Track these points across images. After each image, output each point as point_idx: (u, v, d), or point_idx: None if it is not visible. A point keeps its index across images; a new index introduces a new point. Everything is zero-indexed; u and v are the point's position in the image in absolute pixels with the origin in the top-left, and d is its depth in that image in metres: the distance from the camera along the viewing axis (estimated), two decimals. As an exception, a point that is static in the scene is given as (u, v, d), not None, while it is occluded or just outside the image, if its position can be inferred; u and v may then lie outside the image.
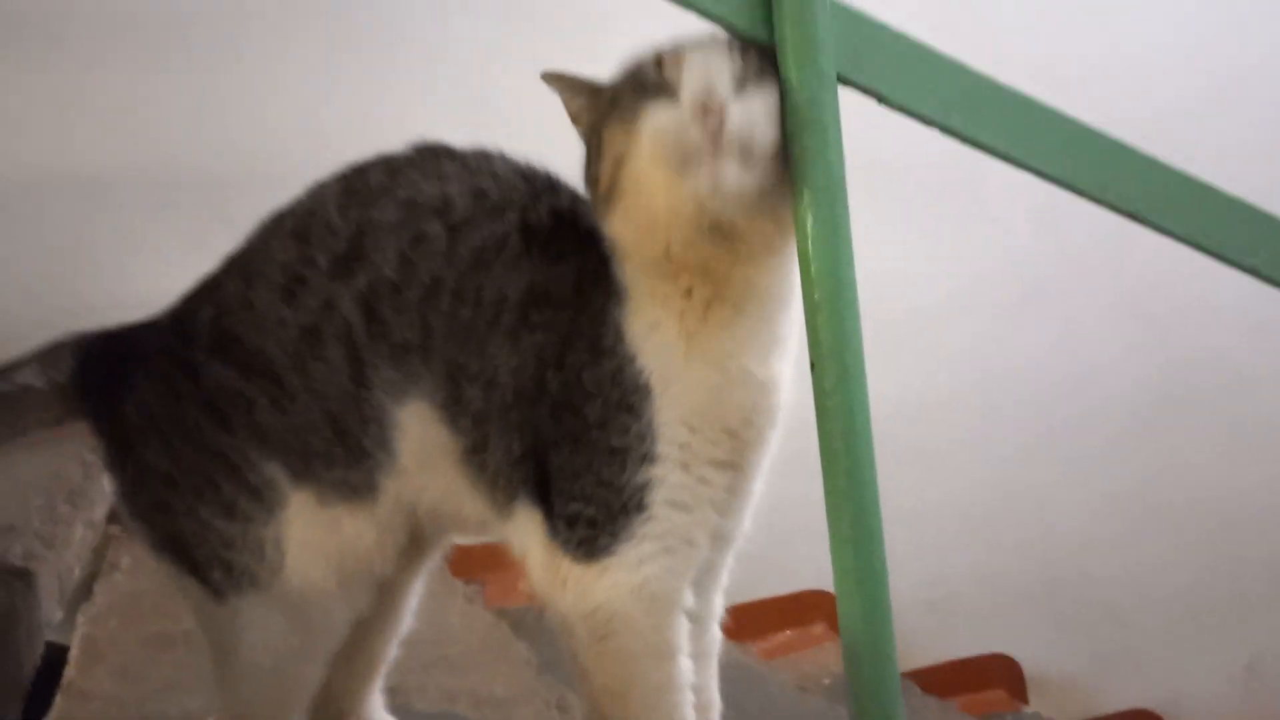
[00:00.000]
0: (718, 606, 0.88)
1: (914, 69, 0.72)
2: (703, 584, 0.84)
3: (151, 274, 1.98)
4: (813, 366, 0.72)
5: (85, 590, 1.69)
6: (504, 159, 0.87)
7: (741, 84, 0.72)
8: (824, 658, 2.38)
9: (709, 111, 0.69)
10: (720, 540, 0.83)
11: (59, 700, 1.25)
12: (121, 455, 0.87)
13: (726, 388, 0.77)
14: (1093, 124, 0.80)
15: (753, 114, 0.71)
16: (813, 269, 0.70)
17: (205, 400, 0.82)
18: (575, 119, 0.81)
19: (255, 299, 0.83)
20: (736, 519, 0.84)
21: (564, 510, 0.76)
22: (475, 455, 0.80)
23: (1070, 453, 2.64)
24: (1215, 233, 0.80)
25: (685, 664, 0.79)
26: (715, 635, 0.89)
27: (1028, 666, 2.70)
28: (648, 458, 0.75)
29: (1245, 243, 0.81)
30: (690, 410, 0.76)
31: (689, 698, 0.79)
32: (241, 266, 0.85)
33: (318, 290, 0.81)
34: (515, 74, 2.09)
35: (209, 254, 2.01)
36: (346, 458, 0.81)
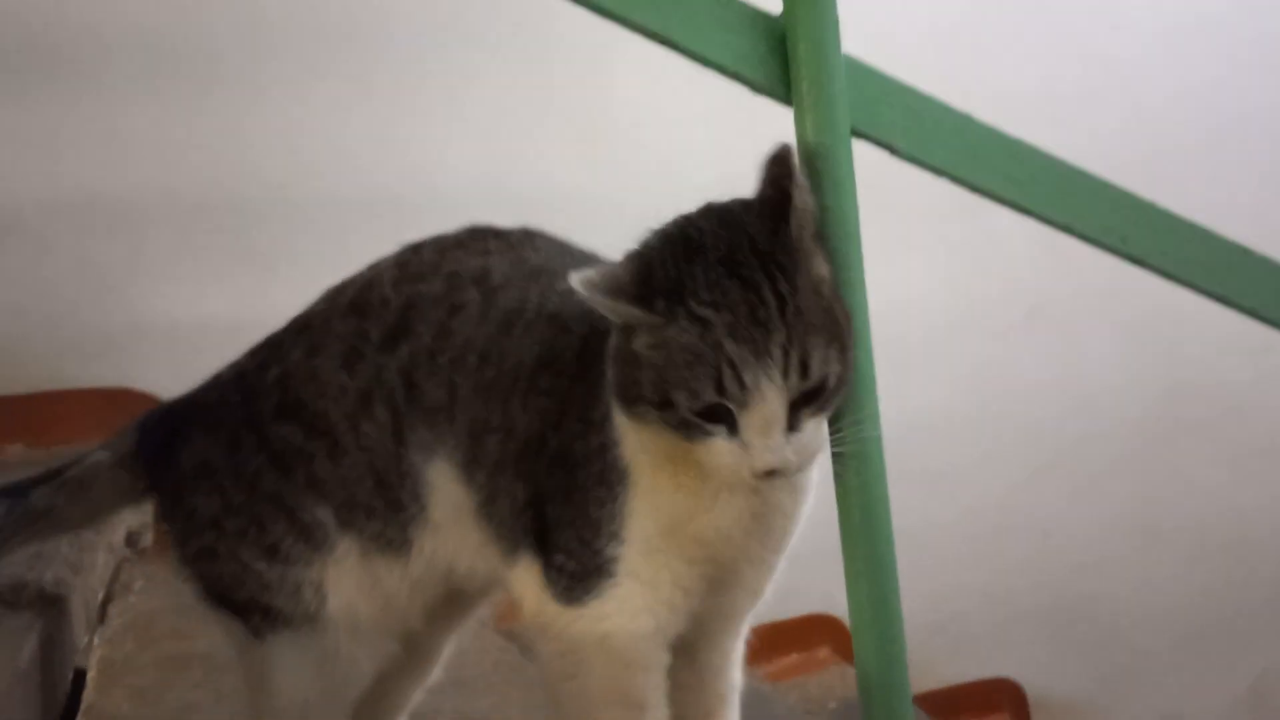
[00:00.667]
0: (736, 656, 0.92)
1: (925, 122, 0.74)
2: (712, 637, 0.89)
3: (179, 297, 2.04)
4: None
5: (100, 613, 1.71)
6: (547, 236, 0.93)
7: (796, 410, 0.73)
8: (830, 680, 2.40)
9: (771, 479, 0.75)
10: (723, 610, 0.87)
11: (80, 721, 1.27)
12: (174, 505, 0.94)
13: (695, 510, 0.80)
14: (1092, 168, 0.82)
15: (808, 446, 0.74)
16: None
17: (269, 452, 0.89)
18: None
19: (319, 367, 0.90)
20: (735, 595, 0.87)
21: (552, 559, 0.82)
22: (487, 508, 0.85)
23: (1074, 473, 2.65)
24: (1217, 277, 0.83)
25: (658, 715, 0.83)
26: (733, 681, 0.92)
27: (1031, 690, 2.71)
28: (615, 536, 0.80)
29: (1245, 286, 0.83)
30: (659, 514, 0.80)
31: None
32: (305, 334, 0.92)
33: (371, 362, 0.88)
34: (534, 106, 2.16)
35: (234, 278, 2.07)
36: (386, 510, 0.87)
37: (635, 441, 0.80)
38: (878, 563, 0.73)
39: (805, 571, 2.63)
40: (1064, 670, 2.72)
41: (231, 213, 2.07)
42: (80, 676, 1.38)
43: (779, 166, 0.74)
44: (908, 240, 2.35)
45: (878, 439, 0.73)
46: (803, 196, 0.73)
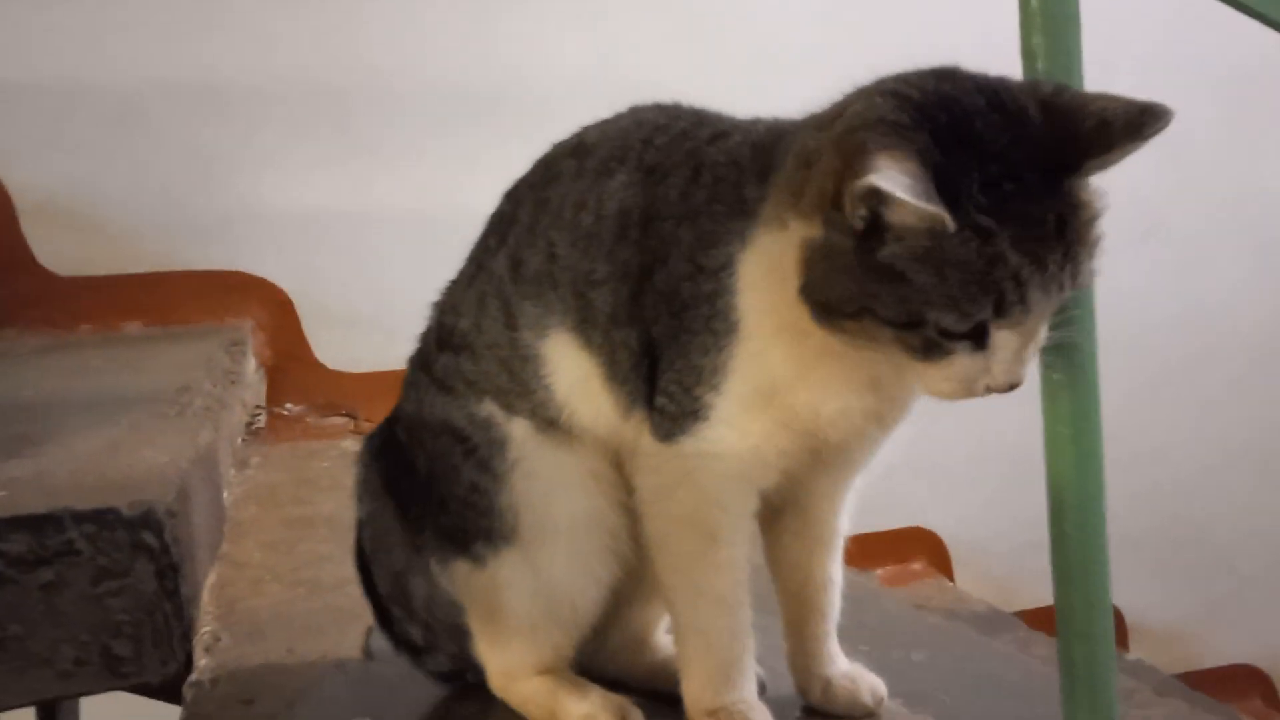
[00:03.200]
0: (841, 504, 0.90)
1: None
2: (822, 487, 0.87)
3: (287, 184, 2.05)
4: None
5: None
6: (658, 107, 0.89)
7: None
8: (928, 591, 2.38)
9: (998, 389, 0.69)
10: (827, 475, 0.85)
11: (216, 566, 1.29)
12: (387, 484, 0.94)
13: (804, 388, 0.77)
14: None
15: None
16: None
17: (436, 383, 0.90)
18: (863, 223, 0.68)
19: (452, 291, 0.93)
20: (837, 468, 0.85)
21: (657, 401, 0.81)
22: (610, 368, 0.83)
23: (1185, 393, 2.58)
24: None
25: (733, 553, 0.82)
26: (836, 528, 0.91)
27: (1130, 615, 2.66)
28: (715, 388, 0.78)
29: None
30: (762, 379, 0.78)
31: (731, 577, 0.82)
32: (458, 270, 0.95)
33: (486, 269, 0.90)
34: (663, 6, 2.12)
35: (339, 168, 2.08)
36: (526, 394, 0.86)
37: (756, 301, 0.77)
38: (1080, 372, 0.69)
39: (901, 485, 2.61)
40: (1164, 597, 2.66)
41: (337, 103, 2.08)
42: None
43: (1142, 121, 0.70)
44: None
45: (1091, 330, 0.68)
46: (1135, 146, 0.69)
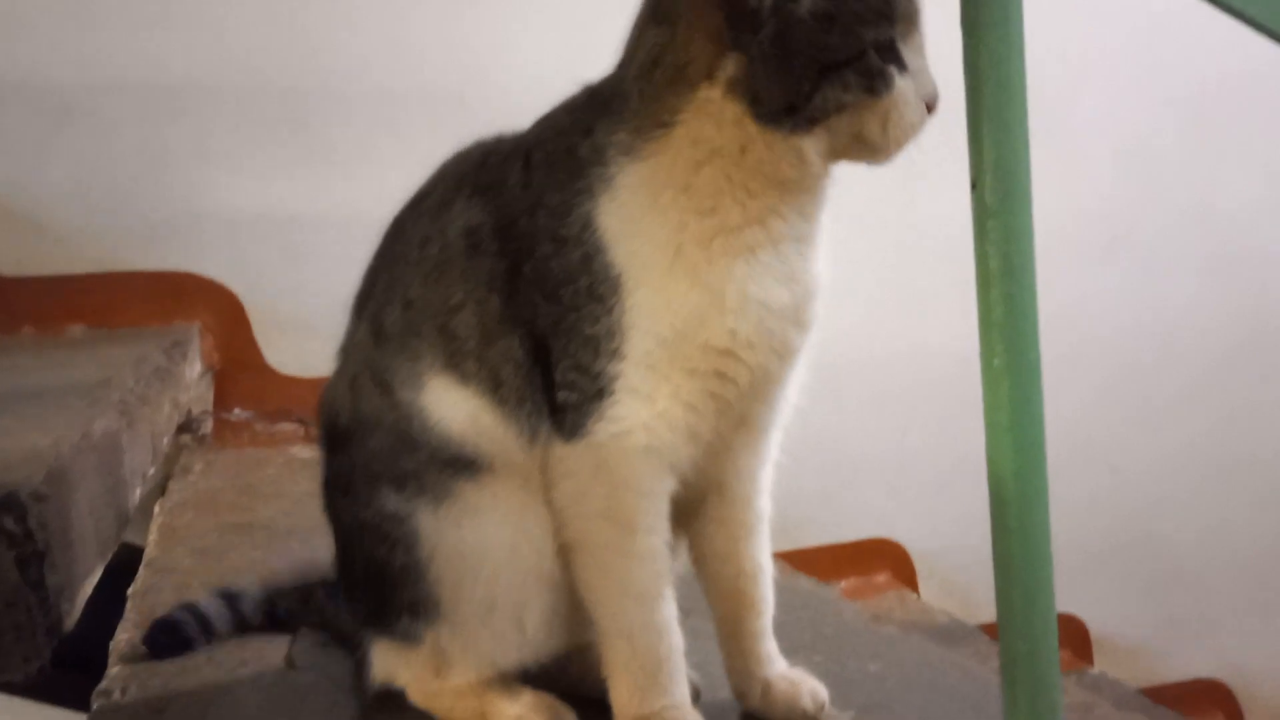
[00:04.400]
0: (764, 482, 0.88)
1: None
2: (738, 464, 0.85)
3: (240, 185, 2.00)
4: (973, 185, 0.68)
5: (160, 490, 1.70)
6: (480, 141, 0.88)
7: None
8: (889, 604, 2.35)
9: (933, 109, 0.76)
10: (743, 430, 0.83)
11: (142, 572, 1.25)
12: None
13: (712, 311, 0.76)
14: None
15: None
16: (980, 67, 0.66)
17: (338, 488, 0.90)
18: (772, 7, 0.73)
19: (329, 391, 0.92)
20: (755, 415, 0.83)
21: (558, 399, 0.78)
22: (496, 394, 0.80)
23: (1142, 403, 2.57)
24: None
25: (651, 541, 0.80)
26: (760, 509, 0.88)
27: (1094, 628, 2.65)
28: (615, 354, 0.76)
29: None
30: (660, 324, 0.76)
31: (652, 568, 0.80)
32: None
33: (351, 348, 0.89)
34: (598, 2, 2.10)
35: (294, 169, 2.03)
36: (417, 452, 0.82)
37: (634, 244, 0.75)
38: (1021, 361, 0.66)
39: (864, 496, 2.58)
40: (1128, 610, 2.65)
41: (293, 104, 2.04)
42: (136, 554, 1.35)
43: None
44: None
45: (1028, 219, 0.66)
46: None
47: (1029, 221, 0.67)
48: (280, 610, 1.08)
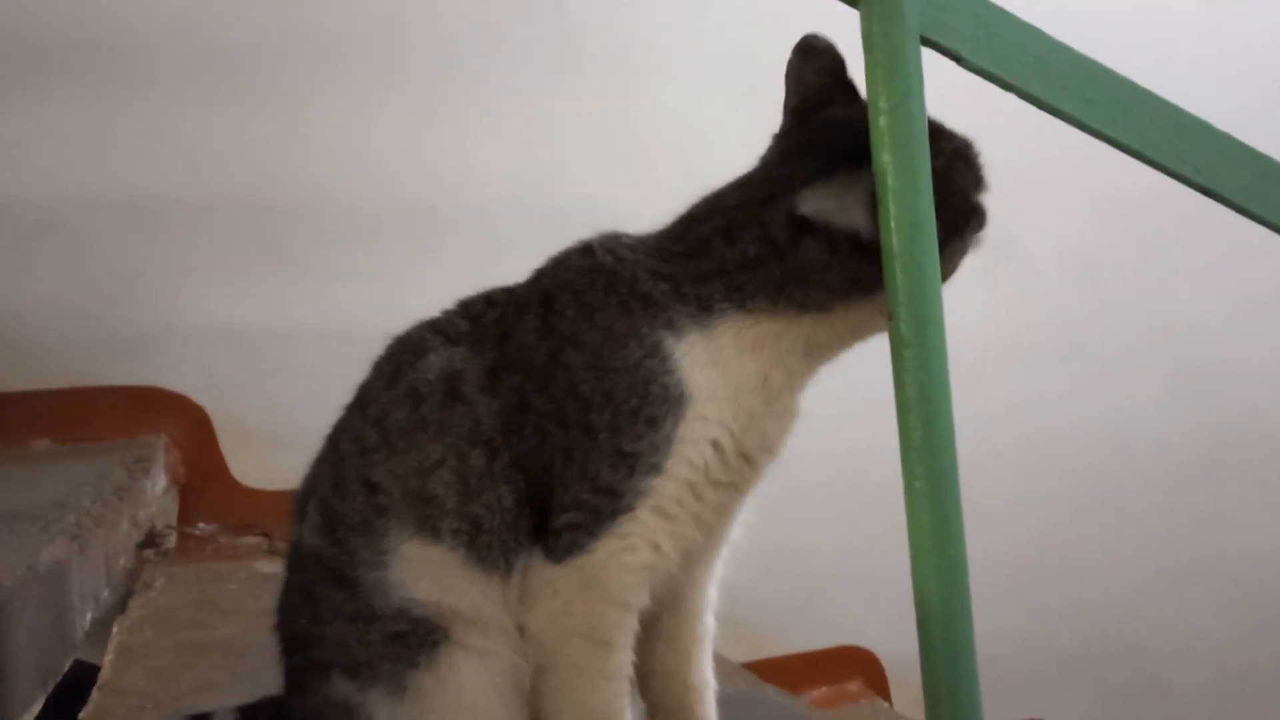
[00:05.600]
0: (712, 598, 0.92)
1: (995, 33, 0.73)
2: (696, 578, 0.89)
3: (210, 300, 2.03)
4: (890, 316, 0.71)
5: (120, 606, 1.69)
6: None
7: None
8: (862, 713, 2.32)
9: None
10: (712, 542, 0.88)
11: (95, 695, 1.24)
12: None
13: (767, 419, 0.83)
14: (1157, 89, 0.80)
15: None
16: (891, 214, 0.70)
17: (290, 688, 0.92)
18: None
19: (282, 611, 0.92)
20: (722, 532, 0.88)
21: (557, 524, 0.80)
22: (471, 546, 0.81)
23: (1117, 511, 2.59)
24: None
25: (622, 660, 0.82)
26: (708, 624, 0.92)
27: (1069, 737, 2.62)
28: (655, 468, 0.79)
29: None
30: (723, 434, 0.81)
31: (619, 687, 0.82)
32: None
33: (297, 561, 0.89)
34: (564, 118, 2.17)
35: (264, 283, 2.07)
36: (378, 627, 0.83)
37: (709, 373, 0.80)
38: (940, 480, 0.69)
39: (836, 603, 2.56)
40: (1101, 717, 2.62)
41: (263, 219, 2.08)
42: (92, 672, 1.34)
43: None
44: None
45: (941, 347, 0.69)
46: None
47: (942, 351, 0.70)
48: None
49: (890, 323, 0.71)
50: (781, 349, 0.82)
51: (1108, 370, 2.60)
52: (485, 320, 0.86)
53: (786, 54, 0.88)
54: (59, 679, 0.86)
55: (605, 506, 0.79)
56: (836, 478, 2.33)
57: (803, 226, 0.78)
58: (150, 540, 1.89)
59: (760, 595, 2.47)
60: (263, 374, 2.08)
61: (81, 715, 1.17)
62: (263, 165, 2.06)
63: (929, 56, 0.72)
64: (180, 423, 2.02)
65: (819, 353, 0.85)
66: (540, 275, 0.87)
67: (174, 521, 1.97)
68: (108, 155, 1.98)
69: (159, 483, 1.85)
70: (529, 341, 0.82)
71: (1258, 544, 2.63)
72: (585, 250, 0.86)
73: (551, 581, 0.80)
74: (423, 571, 0.81)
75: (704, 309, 0.81)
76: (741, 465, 0.83)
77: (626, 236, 0.87)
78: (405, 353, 0.86)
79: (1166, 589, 2.62)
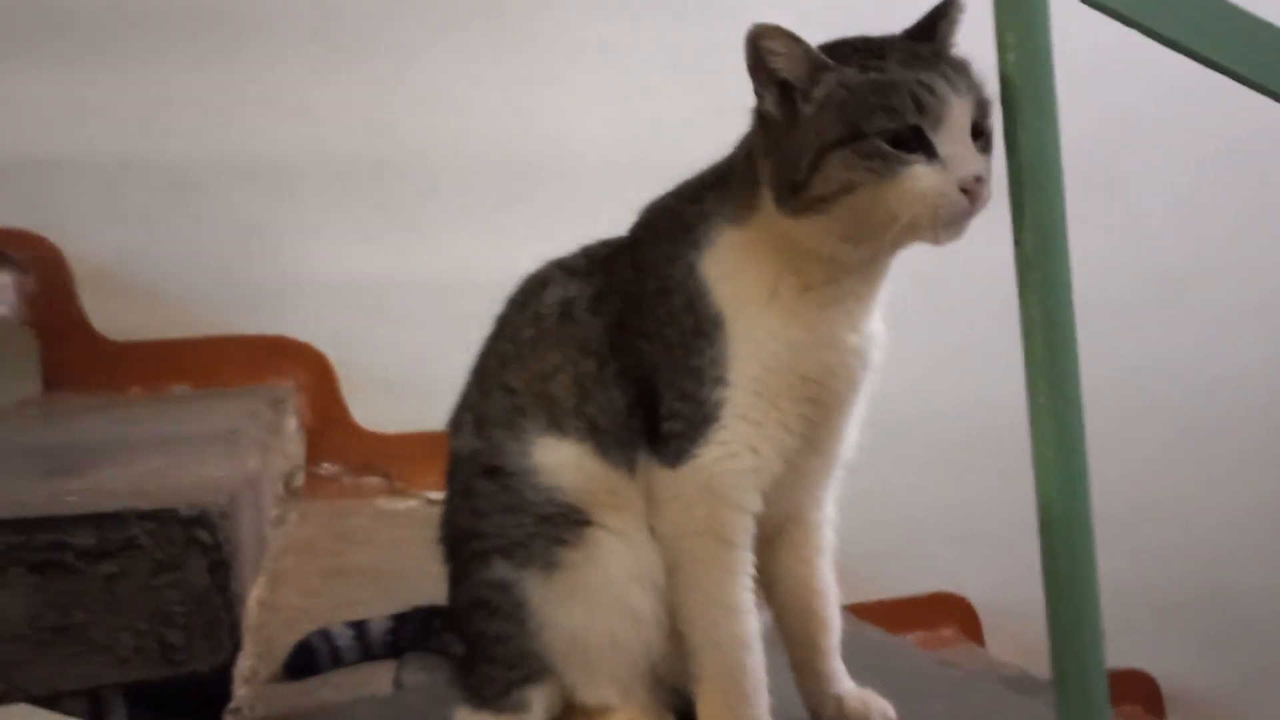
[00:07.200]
0: (830, 513, 0.98)
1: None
2: (811, 493, 0.95)
3: (330, 254, 2.14)
4: (1016, 242, 0.76)
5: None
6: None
7: (979, 135, 0.82)
8: (956, 658, 2.37)
9: (976, 190, 0.80)
10: (818, 458, 0.92)
11: (253, 609, 1.35)
12: None
13: (808, 346, 0.87)
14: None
15: (991, 171, 0.81)
16: (1020, 141, 0.74)
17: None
18: (778, 84, 0.84)
19: (446, 516, 0.99)
20: (828, 443, 0.92)
21: (661, 432, 0.87)
22: (596, 439, 0.89)
23: (1215, 458, 2.58)
24: None
25: (744, 557, 0.88)
26: (829, 536, 0.98)
27: (1165, 684, 2.63)
28: (720, 380, 0.85)
29: None
30: (764, 353, 0.86)
31: (743, 582, 0.88)
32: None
33: (457, 469, 0.97)
34: (672, 75, 2.21)
35: (379, 238, 2.16)
36: (535, 515, 0.91)
37: (733, 288, 0.86)
38: (1064, 400, 0.74)
39: (932, 550, 2.59)
40: (1200, 665, 2.63)
41: (380, 178, 2.17)
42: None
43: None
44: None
45: (1065, 270, 0.74)
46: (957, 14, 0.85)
47: (1066, 271, 0.75)
48: (403, 639, 1.17)
49: (1016, 246, 0.76)
50: (782, 259, 0.86)
51: (1209, 316, 2.58)
52: (598, 257, 0.95)
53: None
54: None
55: (695, 414, 0.86)
56: (941, 429, 2.37)
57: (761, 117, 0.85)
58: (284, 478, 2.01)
59: (861, 540, 2.50)
60: (379, 324, 2.18)
61: (245, 625, 1.28)
62: (377, 124, 2.15)
63: None
64: (306, 370, 2.13)
65: (829, 258, 0.85)
66: (637, 217, 0.96)
67: (303, 462, 2.09)
68: (235, 118, 2.09)
69: (291, 424, 1.96)
70: (622, 271, 0.92)
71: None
72: (667, 193, 0.94)
73: (670, 486, 0.87)
74: (561, 461, 0.89)
75: (714, 226, 0.88)
76: (811, 387, 0.87)
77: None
78: (534, 285, 0.96)
79: (1266, 535, 2.60)
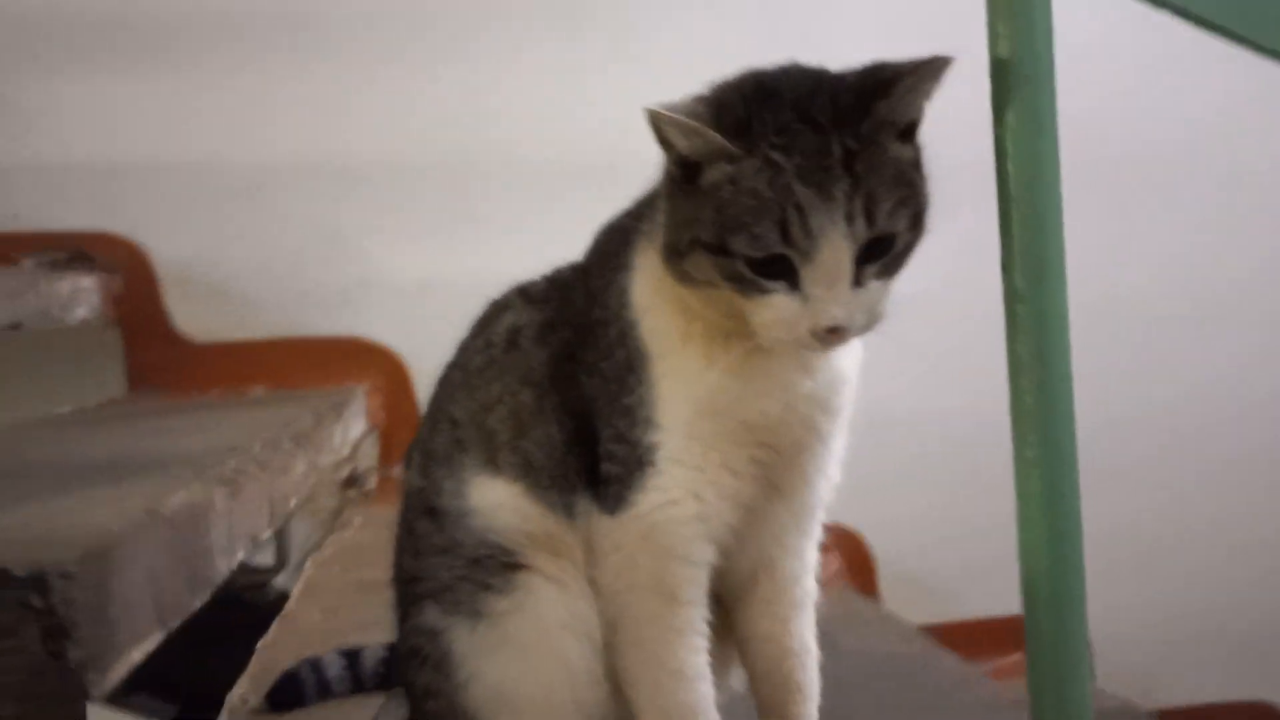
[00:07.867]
0: (810, 561, 0.88)
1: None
2: (781, 542, 0.85)
3: (403, 254, 2.14)
4: (1004, 269, 0.66)
5: (319, 541, 1.81)
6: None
7: (861, 266, 0.72)
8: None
9: (828, 341, 0.73)
10: (783, 503, 0.84)
11: (275, 624, 1.34)
12: None
13: (741, 394, 0.78)
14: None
15: (872, 306, 0.73)
16: (1009, 154, 0.64)
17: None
18: (678, 159, 0.77)
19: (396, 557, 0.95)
20: (793, 488, 0.83)
21: (602, 474, 0.80)
22: (530, 478, 0.83)
23: (1253, 483, 2.36)
24: None
25: (692, 615, 0.81)
26: (808, 588, 0.88)
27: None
28: (650, 422, 0.78)
29: None
30: (691, 396, 0.78)
31: (691, 642, 0.81)
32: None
33: (405, 511, 0.92)
34: (733, 66, 2.13)
35: (453, 238, 2.15)
36: (464, 555, 0.85)
37: (654, 321, 0.79)
38: (1054, 452, 0.63)
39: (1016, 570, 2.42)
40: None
41: (452, 179, 2.17)
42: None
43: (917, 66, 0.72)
44: (1084, 220, 2.13)
45: (1062, 303, 0.63)
46: (915, 86, 0.71)
47: (1062, 305, 0.64)
48: (395, 670, 1.12)
49: (1004, 274, 0.66)
50: (681, 296, 0.78)
51: (1242, 326, 2.35)
52: (559, 282, 0.88)
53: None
54: (187, 615, 0.93)
55: (630, 457, 0.79)
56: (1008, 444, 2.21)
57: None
58: (352, 481, 2.01)
59: (947, 558, 2.39)
60: (453, 323, 2.14)
61: (260, 644, 1.26)
62: (445, 126, 2.14)
63: None
64: (380, 371, 2.13)
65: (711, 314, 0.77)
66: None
67: (375, 464, 2.09)
68: (306, 122, 2.11)
69: (355, 428, 1.96)
70: (575, 299, 0.85)
71: None
72: (624, 209, 0.87)
73: (610, 535, 0.80)
74: (497, 502, 0.83)
75: (639, 249, 0.81)
76: (759, 432, 0.79)
77: None
78: (493, 310, 0.91)
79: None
